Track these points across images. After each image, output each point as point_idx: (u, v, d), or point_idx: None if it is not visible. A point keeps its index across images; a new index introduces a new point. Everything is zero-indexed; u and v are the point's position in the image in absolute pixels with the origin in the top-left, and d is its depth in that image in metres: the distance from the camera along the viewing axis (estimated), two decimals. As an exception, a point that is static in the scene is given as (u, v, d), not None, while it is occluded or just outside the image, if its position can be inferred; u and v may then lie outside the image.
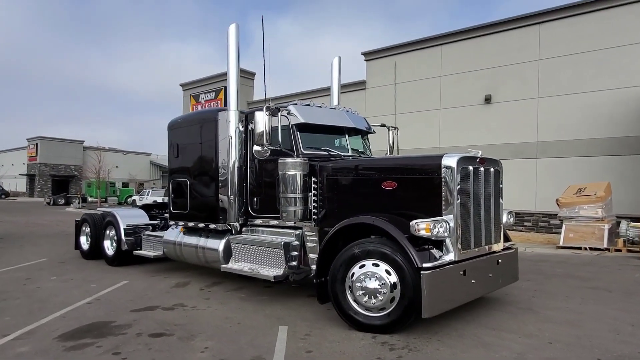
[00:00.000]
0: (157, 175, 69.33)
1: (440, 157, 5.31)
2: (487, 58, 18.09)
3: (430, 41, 20.11)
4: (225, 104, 30.48)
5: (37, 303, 6.60)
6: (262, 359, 4.45)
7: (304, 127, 6.62)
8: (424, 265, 4.82)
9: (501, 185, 6.12)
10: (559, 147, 16.19)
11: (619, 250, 11.11)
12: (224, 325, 5.51)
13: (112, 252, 9.77)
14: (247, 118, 7.20)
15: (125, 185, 59.44)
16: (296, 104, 6.79)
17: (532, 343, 4.83)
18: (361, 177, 5.97)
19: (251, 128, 7.11)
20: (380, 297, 5.08)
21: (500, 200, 6.09)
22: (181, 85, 32.56)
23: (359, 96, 22.10)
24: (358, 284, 5.19)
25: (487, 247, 5.75)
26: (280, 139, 6.30)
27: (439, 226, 4.97)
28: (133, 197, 40.84)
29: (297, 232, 6.48)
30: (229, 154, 7.09)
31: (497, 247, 5.98)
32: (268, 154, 6.34)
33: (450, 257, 5.12)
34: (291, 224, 6.48)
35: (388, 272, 5.08)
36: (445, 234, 5.03)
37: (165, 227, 9.80)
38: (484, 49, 18.30)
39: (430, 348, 4.70)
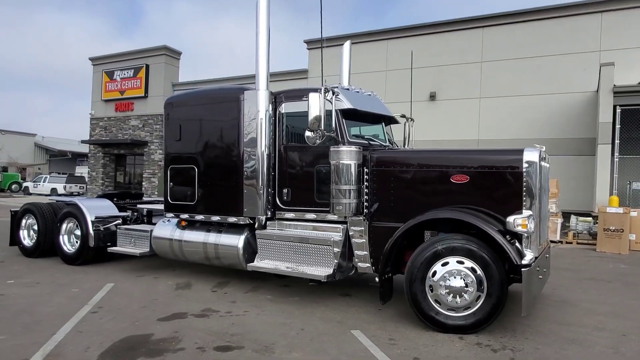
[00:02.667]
0: (43, 159, 61.80)
1: (521, 151, 5.19)
2: (433, 56, 18.69)
3: (377, 35, 20.32)
4: (147, 83, 27.96)
5: (23, 316, 5.31)
6: (375, 371, 3.98)
7: (348, 114, 6.11)
8: (523, 262, 4.68)
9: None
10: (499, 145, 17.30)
11: (570, 242, 12.16)
12: (289, 333, 4.88)
13: (74, 250, 8.31)
14: (276, 100, 6.47)
15: (4, 169, 52.05)
16: (337, 86, 6.25)
17: (611, 336, 4.94)
18: (426, 169, 5.63)
19: (280, 111, 6.43)
20: (466, 296, 4.84)
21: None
22: (91, 59, 29.17)
23: (300, 85, 21.61)
24: (442, 283, 4.90)
25: (544, 242, 5.80)
26: (334, 125, 5.73)
27: (531, 221, 4.87)
28: (25, 184, 35.83)
29: (342, 227, 5.97)
30: (258, 139, 6.31)
31: (545, 242, 6.07)
32: (319, 141, 5.72)
33: (531, 253, 5.03)
34: (334, 218, 5.96)
35: (473, 270, 4.85)
36: (532, 230, 4.95)
37: (138, 220, 8.63)
38: (430, 47, 18.88)
39: (529, 347, 4.57)
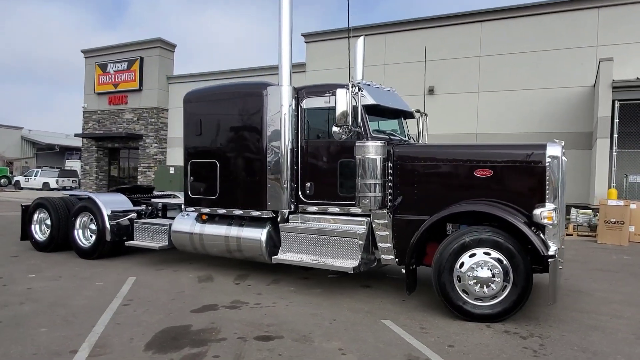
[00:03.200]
0: (30, 152, 60.93)
1: (544, 146, 5.36)
2: (431, 51, 18.76)
3: (374, 29, 20.40)
4: (141, 76, 27.65)
5: (58, 308, 5.38)
6: (415, 357, 4.14)
7: (371, 109, 6.25)
8: (549, 253, 4.88)
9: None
10: (497, 140, 17.54)
11: (570, 234, 12.47)
12: (322, 323, 5.02)
13: (90, 244, 8.35)
14: (298, 95, 6.57)
15: (-9, 163, 51.14)
16: (360, 82, 6.37)
17: (629, 324, 5.17)
18: (450, 163, 5.79)
19: (302, 107, 6.53)
20: (493, 286, 5.03)
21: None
22: (83, 52, 28.82)
23: (297, 78, 21.63)
24: (469, 274, 5.08)
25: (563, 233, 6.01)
26: (359, 121, 5.86)
27: (556, 214, 5.06)
28: (16, 178, 35.31)
29: (366, 219, 6.12)
30: (282, 134, 6.41)
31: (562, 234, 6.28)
32: (345, 136, 5.85)
33: (555, 244, 5.23)
34: (357, 211, 6.11)
35: (500, 261, 5.04)
36: (557, 222, 5.14)
37: (152, 214, 8.68)
38: (428, 41, 18.97)
39: (555, 334, 4.77)
